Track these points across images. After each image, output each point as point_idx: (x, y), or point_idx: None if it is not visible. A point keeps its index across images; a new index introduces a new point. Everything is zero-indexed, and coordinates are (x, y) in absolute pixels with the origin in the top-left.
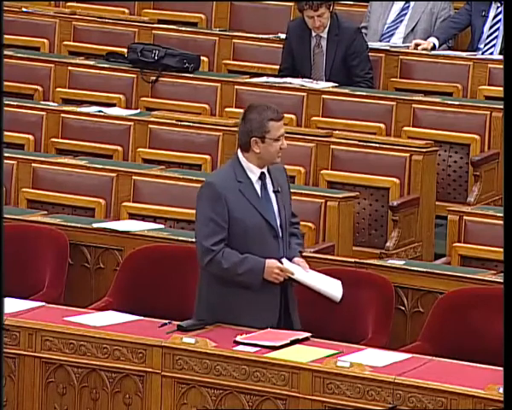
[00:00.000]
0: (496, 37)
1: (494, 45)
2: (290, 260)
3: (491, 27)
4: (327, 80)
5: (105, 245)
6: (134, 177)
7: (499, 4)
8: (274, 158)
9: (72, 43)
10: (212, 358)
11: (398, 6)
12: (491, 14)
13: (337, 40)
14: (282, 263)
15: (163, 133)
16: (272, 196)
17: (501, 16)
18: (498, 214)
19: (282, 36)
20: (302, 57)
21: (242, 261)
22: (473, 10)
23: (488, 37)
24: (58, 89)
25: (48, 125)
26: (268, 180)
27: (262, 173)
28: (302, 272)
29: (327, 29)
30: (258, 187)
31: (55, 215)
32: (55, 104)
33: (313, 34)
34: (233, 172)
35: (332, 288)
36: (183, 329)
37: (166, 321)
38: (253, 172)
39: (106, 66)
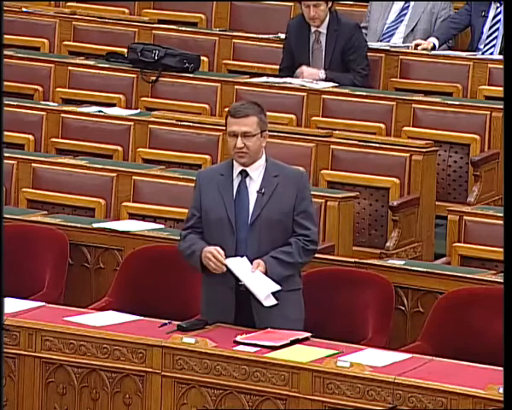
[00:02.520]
0: (496, 37)
1: (494, 45)
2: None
3: (490, 27)
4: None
5: (105, 245)
6: (134, 177)
7: (498, 4)
8: (232, 155)
9: (72, 43)
10: (212, 358)
11: (398, 6)
12: (491, 14)
13: (336, 35)
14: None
15: (163, 133)
16: (252, 195)
17: (500, 16)
18: (498, 214)
19: (282, 36)
20: (301, 53)
21: (190, 246)
22: (472, 10)
23: (488, 37)
24: (58, 89)
25: (48, 125)
26: (253, 180)
27: (243, 171)
28: (239, 267)
29: (326, 24)
30: (236, 183)
31: (55, 215)
32: (55, 104)
33: (312, 30)
34: (223, 165)
35: (261, 290)
36: (183, 329)
37: (166, 321)
38: (236, 168)
39: (106, 66)
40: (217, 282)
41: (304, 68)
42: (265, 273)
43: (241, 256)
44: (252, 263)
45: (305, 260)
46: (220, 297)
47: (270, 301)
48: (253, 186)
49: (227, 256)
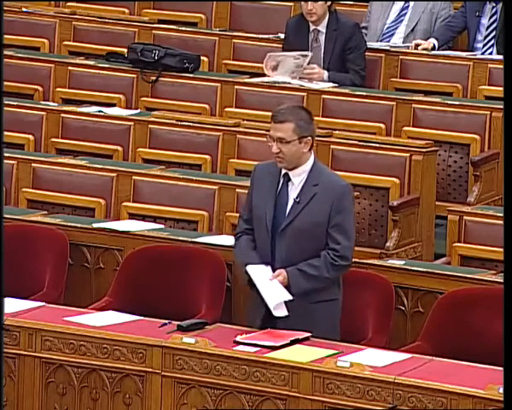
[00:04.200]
0: (494, 37)
1: (493, 45)
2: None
3: (488, 27)
4: None
5: (105, 245)
6: (134, 177)
7: (494, 4)
8: (274, 158)
9: (72, 43)
10: (212, 358)
11: (397, 6)
12: (487, 14)
13: (335, 34)
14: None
15: (163, 133)
16: (290, 202)
17: (497, 16)
18: (498, 214)
19: (282, 36)
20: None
21: (240, 253)
22: (467, 11)
23: (486, 37)
24: (58, 89)
25: (48, 125)
26: (294, 185)
27: (286, 174)
28: (260, 278)
29: (325, 23)
30: (280, 185)
31: (55, 215)
32: (55, 104)
33: (311, 29)
34: (274, 164)
35: (272, 298)
36: (183, 329)
37: (166, 321)
38: (282, 170)
39: (106, 66)
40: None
41: (315, 65)
42: (287, 284)
43: (267, 262)
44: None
45: (332, 276)
46: (255, 304)
47: (280, 312)
48: (293, 192)
49: (263, 260)
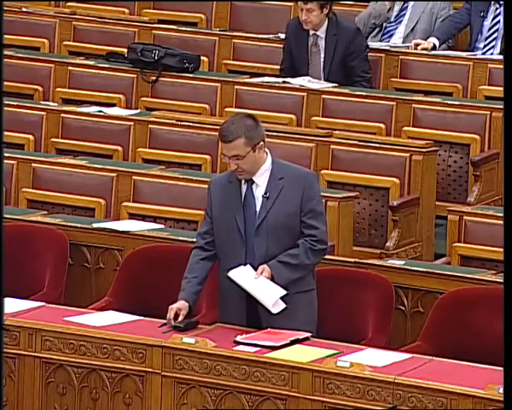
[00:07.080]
0: (495, 38)
1: (494, 46)
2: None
3: (490, 28)
4: (325, 79)
5: (105, 245)
6: (134, 177)
7: (498, 5)
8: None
9: (72, 43)
10: (212, 358)
11: (397, 6)
12: (491, 14)
13: (336, 39)
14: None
15: (163, 133)
16: (259, 200)
17: (500, 17)
18: (498, 214)
19: (282, 36)
20: (299, 56)
21: (187, 271)
22: (472, 10)
23: (487, 38)
24: (58, 89)
25: (48, 125)
26: (259, 186)
27: (248, 179)
28: (246, 280)
29: (324, 29)
30: (243, 190)
31: (55, 215)
32: (55, 104)
33: (310, 33)
34: (232, 174)
35: (266, 297)
36: (179, 329)
37: (166, 321)
38: None
39: (106, 66)
40: (230, 289)
41: None
42: (271, 278)
43: (246, 263)
44: (257, 269)
45: (313, 261)
46: (233, 304)
47: (277, 308)
48: (259, 191)
49: (238, 263)
